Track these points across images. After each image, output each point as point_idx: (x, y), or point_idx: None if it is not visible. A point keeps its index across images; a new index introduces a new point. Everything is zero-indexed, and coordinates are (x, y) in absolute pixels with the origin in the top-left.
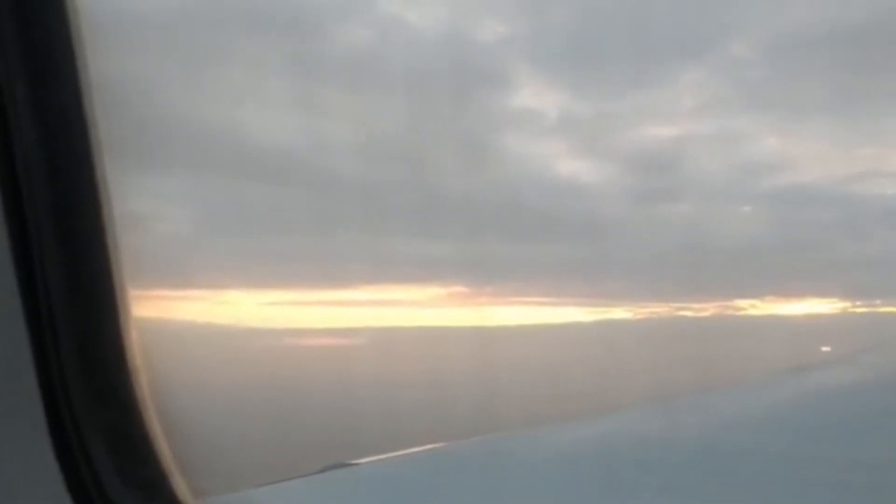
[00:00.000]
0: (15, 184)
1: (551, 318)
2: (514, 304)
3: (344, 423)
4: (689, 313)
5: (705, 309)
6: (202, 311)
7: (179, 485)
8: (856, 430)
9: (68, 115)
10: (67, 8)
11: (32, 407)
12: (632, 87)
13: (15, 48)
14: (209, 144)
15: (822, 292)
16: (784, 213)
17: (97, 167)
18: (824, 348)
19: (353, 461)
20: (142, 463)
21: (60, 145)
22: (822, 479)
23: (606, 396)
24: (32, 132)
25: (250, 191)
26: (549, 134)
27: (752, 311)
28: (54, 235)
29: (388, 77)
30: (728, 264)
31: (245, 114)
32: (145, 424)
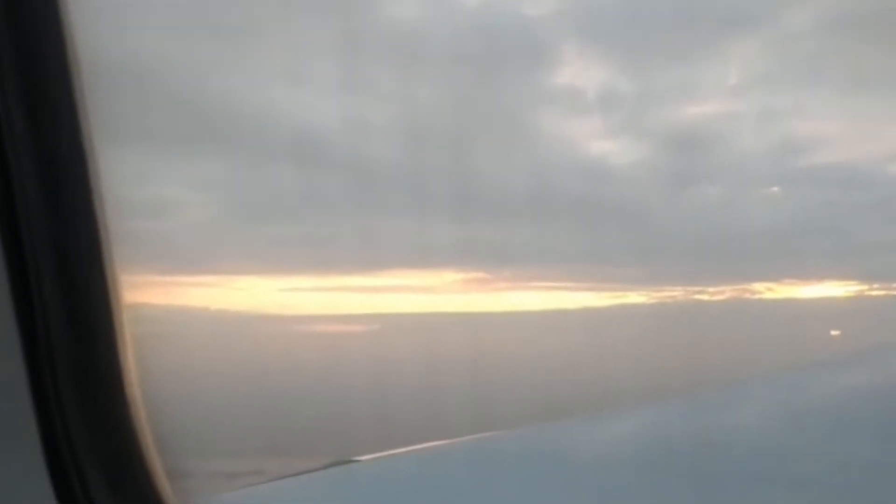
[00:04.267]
0: (11, 206)
1: (566, 304)
2: (531, 290)
3: (358, 413)
4: (704, 297)
5: (721, 292)
6: (219, 297)
7: None
8: (880, 429)
9: (65, 142)
10: None
11: (28, 431)
12: (677, 61)
13: (5, 44)
14: (240, 127)
15: (842, 275)
16: (814, 193)
17: (94, 188)
18: (833, 332)
19: (357, 458)
20: (139, 489)
21: (56, 170)
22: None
23: (619, 383)
24: (30, 160)
25: (279, 174)
26: (585, 113)
27: (769, 295)
28: (51, 257)
29: (427, 54)
30: (749, 247)
31: (277, 94)
32: (142, 449)
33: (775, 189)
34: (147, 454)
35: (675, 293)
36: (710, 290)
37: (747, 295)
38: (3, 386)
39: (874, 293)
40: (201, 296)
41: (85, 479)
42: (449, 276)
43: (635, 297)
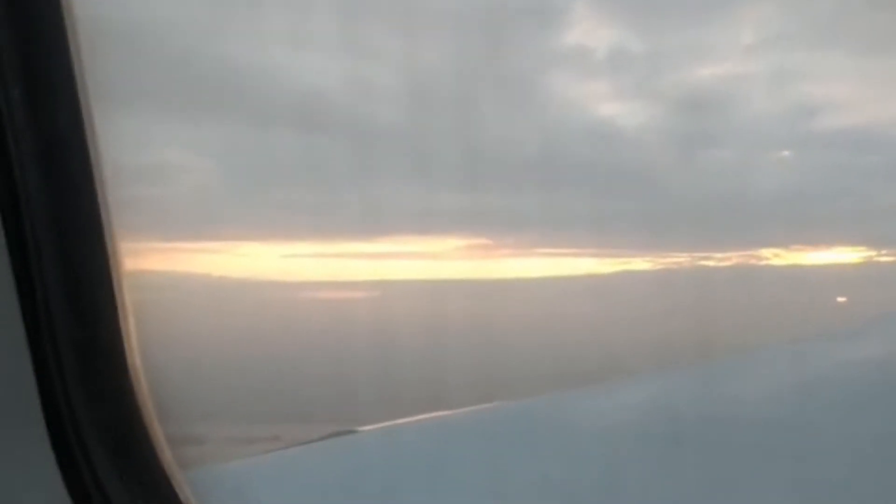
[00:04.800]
0: (12, 185)
1: (571, 270)
2: (536, 256)
3: (360, 382)
4: (711, 263)
5: (728, 258)
6: (221, 263)
7: (180, 484)
8: (889, 400)
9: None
10: None
11: (31, 409)
12: (691, 21)
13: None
14: (241, 91)
15: (853, 241)
16: (825, 157)
17: (94, 164)
18: (843, 299)
19: (358, 428)
20: (142, 463)
21: (56, 146)
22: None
23: (624, 350)
24: (29, 136)
25: (280, 139)
26: (593, 74)
27: (776, 261)
28: (52, 235)
29: (432, 13)
30: (757, 212)
31: (278, 56)
32: (145, 424)
33: (785, 153)
34: (148, 423)
35: (680, 259)
36: (717, 255)
37: (753, 261)
38: (4, 356)
39: (883, 259)
40: (202, 263)
41: (87, 449)
42: (453, 243)
43: (641, 264)
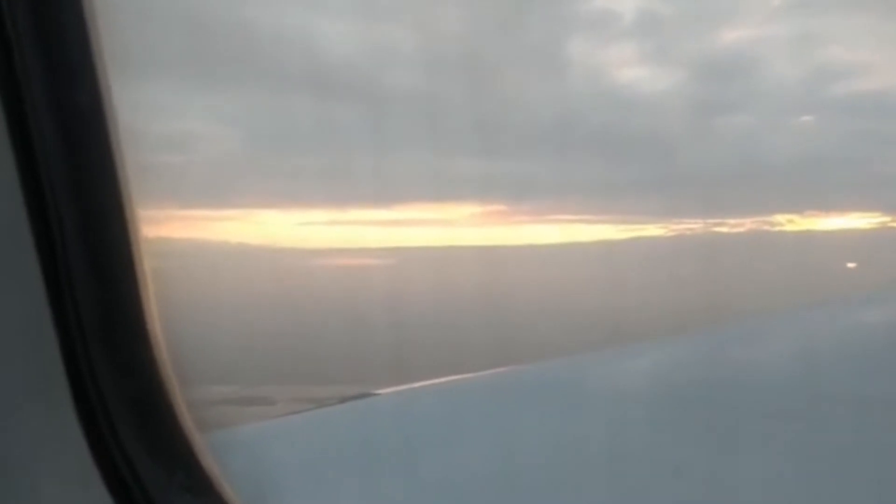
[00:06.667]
0: (32, 154)
1: (585, 236)
2: (551, 223)
3: (377, 347)
4: (724, 229)
5: (742, 224)
6: (238, 230)
7: (201, 445)
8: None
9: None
10: None
11: (56, 380)
12: None
13: None
14: (258, 59)
15: (867, 207)
16: (845, 123)
17: (111, 123)
18: (855, 265)
19: (375, 391)
20: (163, 425)
21: (75, 129)
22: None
23: (637, 315)
24: (49, 121)
25: (296, 106)
26: (615, 39)
27: (789, 227)
28: (73, 204)
29: None
30: (773, 178)
31: (295, 24)
32: (166, 387)
33: (805, 118)
34: (169, 386)
35: (694, 225)
36: (731, 222)
37: (766, 227)
38: (29, 325)
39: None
40: (219, 230)
41: (110, 415)
42: (468, 209)
43: (654, 230)
